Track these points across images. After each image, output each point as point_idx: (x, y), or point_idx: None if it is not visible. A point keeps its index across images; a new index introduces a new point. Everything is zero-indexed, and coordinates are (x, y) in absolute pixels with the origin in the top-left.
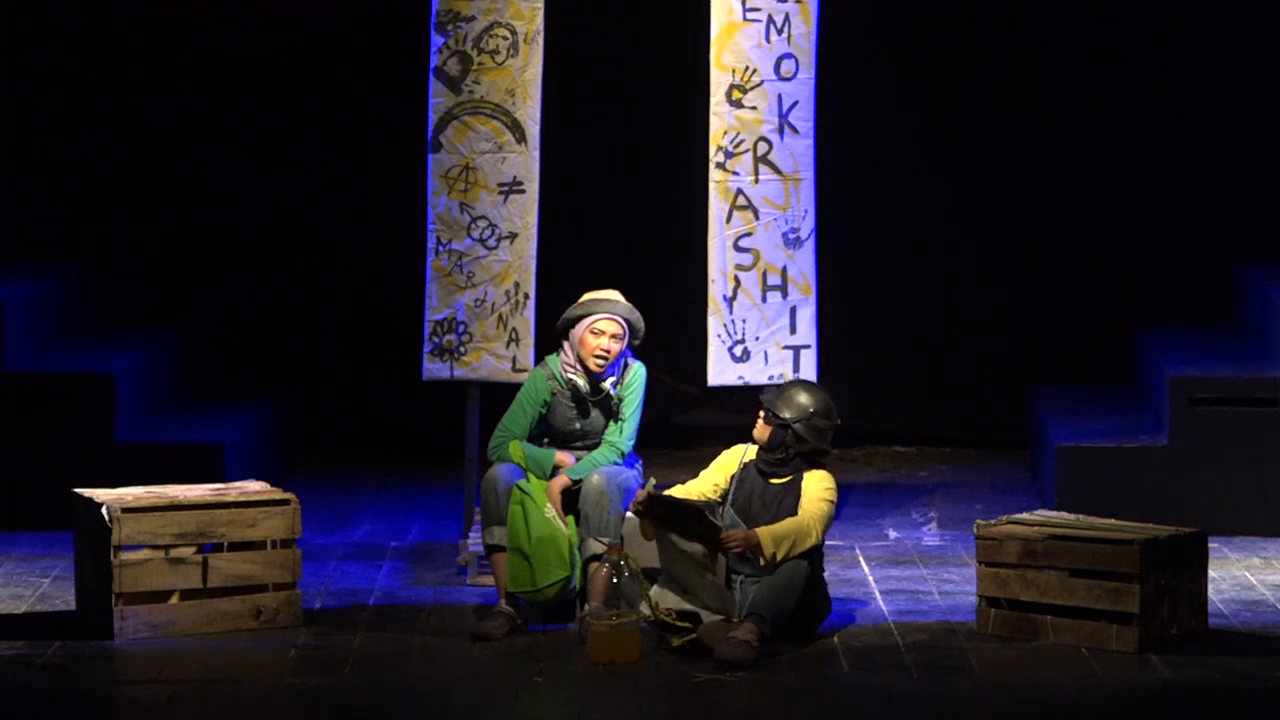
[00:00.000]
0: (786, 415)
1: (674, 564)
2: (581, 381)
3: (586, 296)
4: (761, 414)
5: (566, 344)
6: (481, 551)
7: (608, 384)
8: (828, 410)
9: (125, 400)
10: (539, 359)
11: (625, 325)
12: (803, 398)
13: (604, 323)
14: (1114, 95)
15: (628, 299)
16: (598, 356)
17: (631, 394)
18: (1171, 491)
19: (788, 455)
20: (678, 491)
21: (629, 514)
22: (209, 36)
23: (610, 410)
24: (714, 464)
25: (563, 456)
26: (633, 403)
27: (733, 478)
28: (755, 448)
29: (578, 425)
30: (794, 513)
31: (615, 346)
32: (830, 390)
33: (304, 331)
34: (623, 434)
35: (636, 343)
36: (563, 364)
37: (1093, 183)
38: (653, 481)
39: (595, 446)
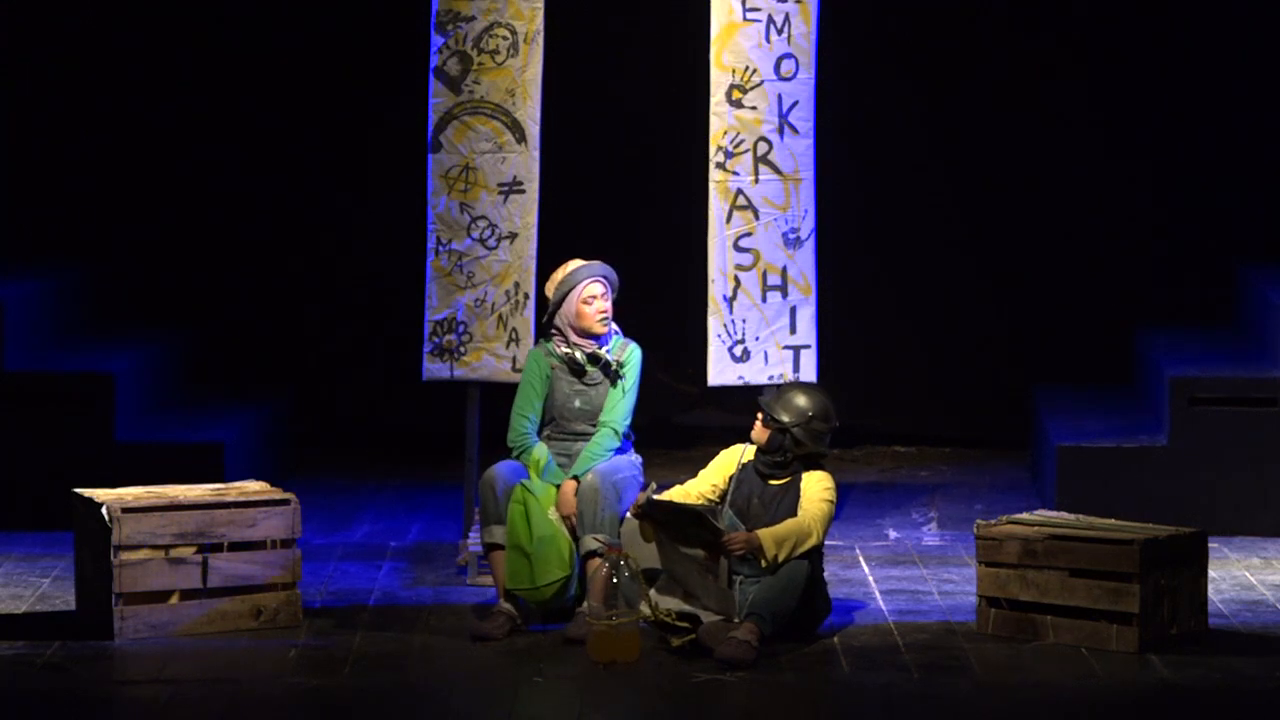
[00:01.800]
0: (784, 419)
1: (675, 565)
2: (580, 354)
3: (554, 279)
4: (759, 416)
5: (558, 329)
6: (481, 551)
7: (603, 350)
8: (826, 413)
9: (125, 400)
10: None
11: (606, 281)
12: (800, 401)
13: (589, 288)
14: (1114, 95)
15: (626, 299)
16: (599, 318)
17: (629, 371)
18: (1171, 491)
19: (786, 458)
20: (676, 493)
21: (629, 516)
22: (209, 36)
23: (610, 374)
24: (712, 465)
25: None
26: (629, 380)
27: (731, 478)
28: (753, 448)
29: (577, 403)
30: (793, 513)
31: (608, 303)
32: (828, 392)
33: (304, 332)
34: (618, 412)
35: (615, 295)
36: (556, 344)
37: (1093, 183)
38: (653, 485)
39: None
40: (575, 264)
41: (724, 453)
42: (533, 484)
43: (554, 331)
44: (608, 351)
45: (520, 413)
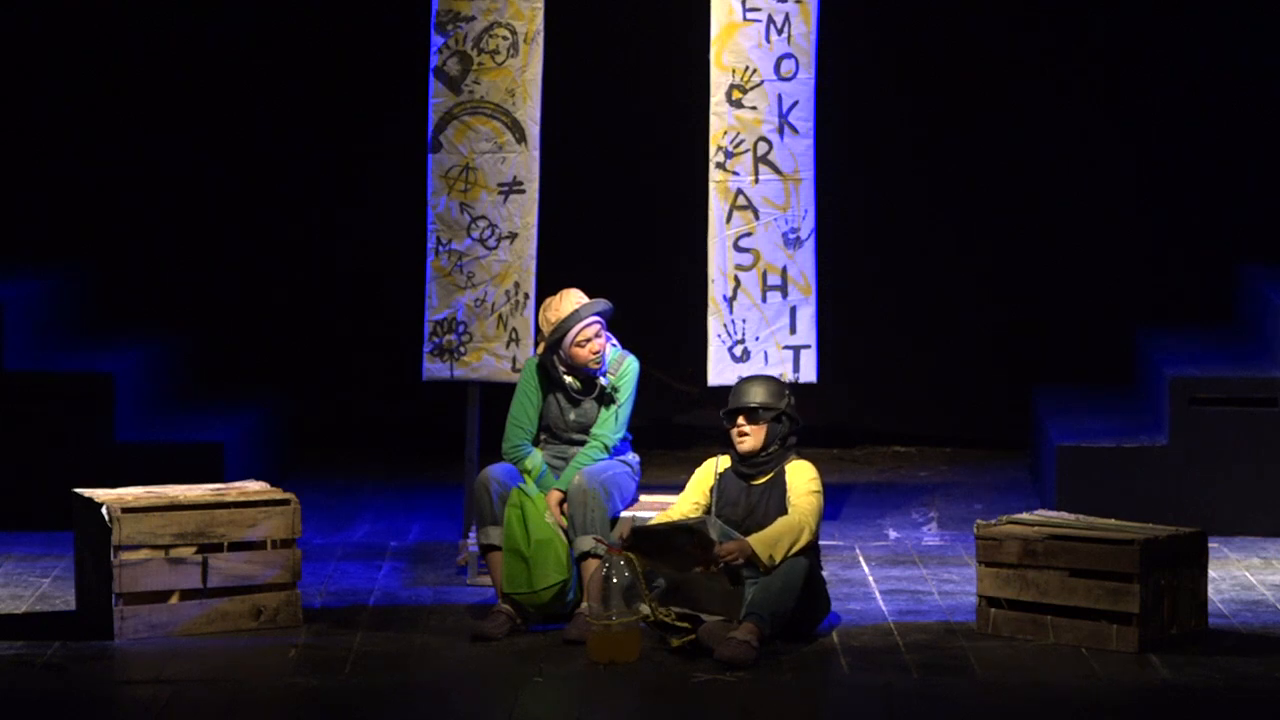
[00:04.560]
0: (775, 404)
1: (675, 574)
2: (573, 380)
3: (548, 317)
4: (742, 422)
5: (558, 353)
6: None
7: (600, 380)
8: (784, 384)
9: (125, 400)
10: None
11: (600, 319)
12: (768, 386)
13: (584, 332)
14: (1114, 95)
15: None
16: (594, 357)
17: (624, 385)
18: (1171, 491)
19: (778, 447)
20: (660, 519)
21: (618, 537)
22: (209, 36)
23: (604, 397)
24: (689, 486)
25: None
26: (624, 394)
27: (711, 490)
28: (726, 457)
29: (572, 416)
30: (782, 508)
31: (600, 341)
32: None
33: (304, 331)
34: (610, 426)
35: (610, 316)
36: (553, 365)
37: (1093, 183)
38: (632, 516)
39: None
40: (570, 302)
41: (697, 471)
42: (528, 487)
43: (551, 360)
44: (603, 376)
45: (515, 422)
